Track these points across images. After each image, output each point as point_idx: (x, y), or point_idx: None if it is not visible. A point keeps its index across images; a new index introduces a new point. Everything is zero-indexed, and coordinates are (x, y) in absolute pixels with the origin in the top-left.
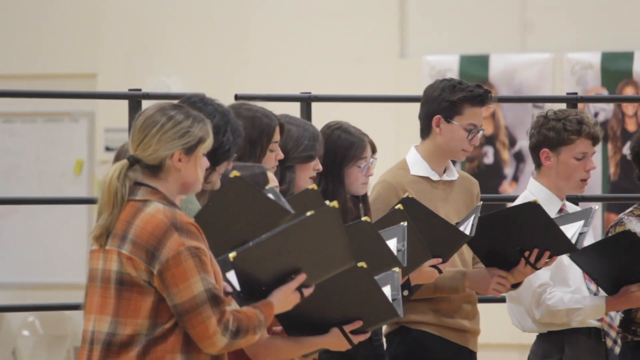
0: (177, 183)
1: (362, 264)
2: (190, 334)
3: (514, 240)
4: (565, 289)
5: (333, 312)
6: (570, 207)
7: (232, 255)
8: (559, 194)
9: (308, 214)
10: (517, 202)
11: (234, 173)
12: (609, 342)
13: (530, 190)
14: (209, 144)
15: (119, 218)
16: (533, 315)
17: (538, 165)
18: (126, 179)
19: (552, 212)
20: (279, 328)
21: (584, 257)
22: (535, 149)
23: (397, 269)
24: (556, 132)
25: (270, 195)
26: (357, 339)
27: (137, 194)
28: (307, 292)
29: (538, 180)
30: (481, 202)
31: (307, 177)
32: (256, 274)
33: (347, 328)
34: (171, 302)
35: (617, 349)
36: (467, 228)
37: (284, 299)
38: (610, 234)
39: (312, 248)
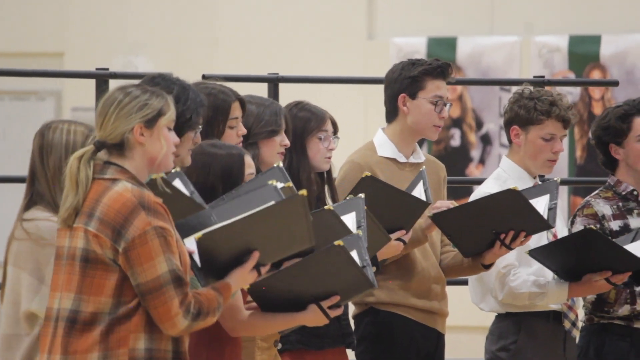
0: (144, 159)
1: (339, 242)
2: (151, 314)
3: (489, 224)
4: (528, 270)
5: (310, 289)
6: None
7: (197, 235)
8: (530, 171)
9: (276, 201)
10: (489, 180)
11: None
12: (567, 324)
13: (502, 167)
14: (170, 116)
15: (87, 196)
16: (496, 295)
17: (510, 142)
18: (91, 160)
19: None
20: (253, 303)
21: (545, 253)
22: (506, 126)
23: (360, 232)
24: (527, 110)
25: (184, 190)
26: (333, 314)
27: (106, 173)
28: (263, 270)
29: (510, 158)
30: (424, 167)
31: (273, 152)
32: (218, 254)
33: (325, 304)
34: (135, 281)
35: (575, 332)
36: (421, 196)
37: (241, 278)
38: (577, 217)
39: (275, 231)
